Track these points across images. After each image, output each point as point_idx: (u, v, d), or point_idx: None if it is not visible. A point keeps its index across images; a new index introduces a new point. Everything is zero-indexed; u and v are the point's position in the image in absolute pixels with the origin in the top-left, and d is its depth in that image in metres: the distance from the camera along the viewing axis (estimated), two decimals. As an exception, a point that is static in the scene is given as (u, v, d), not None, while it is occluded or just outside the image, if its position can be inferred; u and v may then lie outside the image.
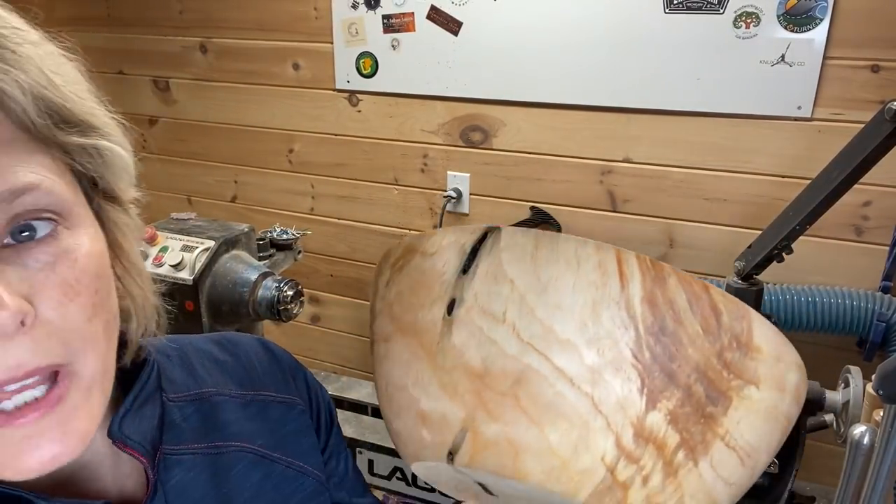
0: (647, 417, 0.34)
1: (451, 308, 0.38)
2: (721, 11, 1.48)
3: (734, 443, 0.36)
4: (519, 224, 1.79)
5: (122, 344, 0.45)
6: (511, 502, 0.42)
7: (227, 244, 1.47)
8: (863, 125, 1.00)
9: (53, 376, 0.36)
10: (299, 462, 0.57)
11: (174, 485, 0.48)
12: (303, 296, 1.51)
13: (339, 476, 0.63)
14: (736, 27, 1.48)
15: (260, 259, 1.58)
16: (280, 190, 2.14)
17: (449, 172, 1.88)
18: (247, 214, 2.21)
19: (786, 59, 1.46)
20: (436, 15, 1.75)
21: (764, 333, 0.38)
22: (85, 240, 0.38)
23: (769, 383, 0.37)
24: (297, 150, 2.07)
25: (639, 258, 0.36)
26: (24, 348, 0.34)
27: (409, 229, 1.99)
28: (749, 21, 1.47)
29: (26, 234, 0.35)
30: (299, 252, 1.74)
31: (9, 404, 0.34)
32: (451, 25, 1.74)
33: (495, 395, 0.36)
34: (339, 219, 2.09)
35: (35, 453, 0.35)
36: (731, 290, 1.24)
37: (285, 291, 1.45)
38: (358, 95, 1.93)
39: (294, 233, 1.70)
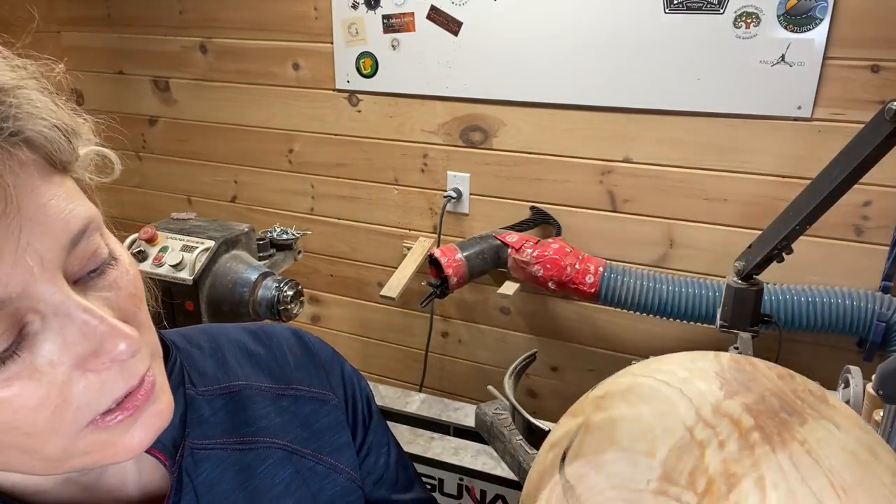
0: (724, 403, 0.40)
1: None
2: (721, 11, 1.48)
3: (818, 457, 0.36)
4: (519, 224, 1.79)
5: None
6: None
7: (227, 244, 1.47)
8: (863, 125, 1.00)
9: None
10: (330, 459, 0.56)
11: (203, 480, 0.48)
12: (303, 296, 1.51)
13: (378, 472, 0.61)
14: (736, 27, 1.48)
15: (260, 259, 1.58)
16: (280, 190, 2.14)
17: (449, 172, 1.88)
18: (247, 214, 2.21)
19: (786, 59, 1.46)
20: (436, 15, 1.75)
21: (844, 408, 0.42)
22: (119, 248, 0.40)
23: (853, 433, 0.39)
24: (297, 150, 2.07)
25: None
26: (137, 360, 0.38)
27: (409, 229, 1.99)
28: (749, 21, 1.47)
29: (94, 268, 0.37)
30: (299, 252, 1.74)
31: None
32: (451, 25, 1.74)
33: None
34: (339, 219, 2.09)
35: (140, 433, 0.38)
36: (731, 290, 1.24)
37: (285, 291, 1.45)
38: (358, 95, 1.93)
39: (294, 233, 1.70)
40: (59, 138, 0.36)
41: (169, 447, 0.47)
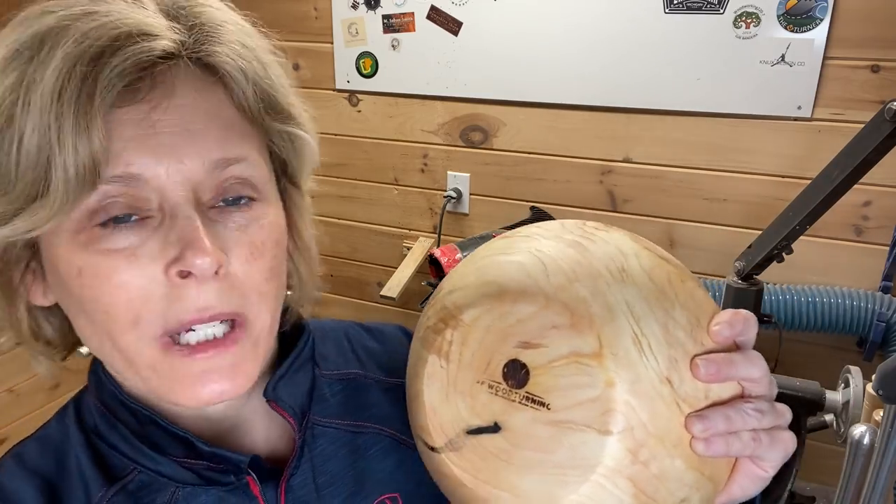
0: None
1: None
2: (721, 11, 1.48)
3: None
4: (518, 224, 1.79)
5: (284, 311, 0.50)
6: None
7: (227, 244, 1.47)
8: (863, 125, 1.00)
9: (231, 324, 0.42)
10: None
11: (319, 452, 0.51)
12: (303, 296, 1.51)
13: None
14: (736, 27, 1.48)
15: (260, 259, 1.58)
16: (280, 190, 2.14)
17: (449, 172, 1.88)
18: (247, 214, 2.21)
19: (786, 59, 1.46)
20: (436, 15, 1.75)
21: None
22: (271, 211, 0.44)
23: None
24: (297, 150, 2.07)
25: None
26: (213, 294, 0.39)
27: (409, 229, 1.99)
28: (749, 21, 1.47)
29: (231, 199, 0.41)
30: (299, 252, 1.74)
31: (193, 337, 0.40)
32: (451, 25, 1.74)
33: None
34: (339, 219, 2.09)
35: (209, 385, 0.41)
36: (731, 290, 1.24)
37: (285, 291, 1.45)
38: (358, 95, 1.93)
39: (294, 233, 1.70)
40: (243, 83, 0.41)
41: (298, 413, 0.50)
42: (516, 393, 0.39)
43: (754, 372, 0.39)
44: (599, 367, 0.37)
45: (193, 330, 0.40)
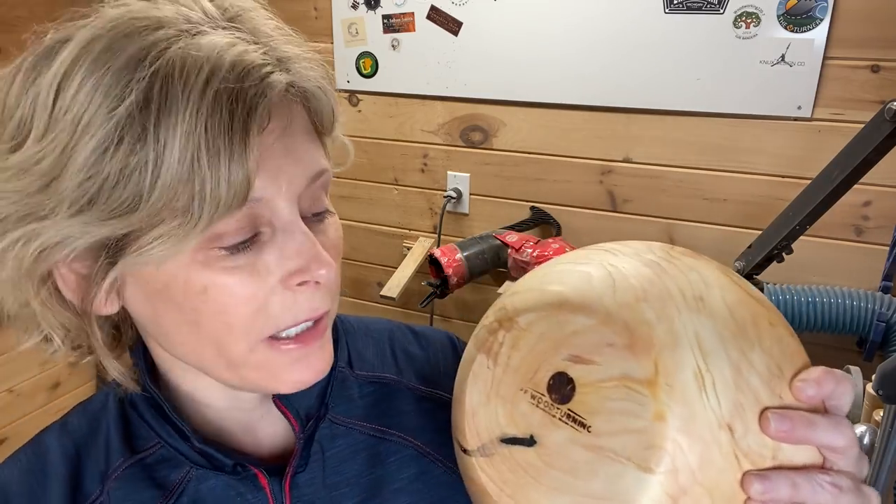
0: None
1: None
2: (721, 11, 1.48)
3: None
4: (519, 224, 1.79)
5: None
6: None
7: (227, 244, 1.47)
8: (863, 125, 1.00)
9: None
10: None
11: (336, 453, 0.51)
12: (303, 296, 1.51)
13: None
14: (736, 27, 1.48)
15: (260, 259, 1.58)
16: (280, 190, 2.14)
17: (449, 172, 1.88)
18: (247, 214, 2.20)
19: (786, 59, 1.46)
20: (436, 15, 1.75)
21: None
22: (335, 215, 0.49)
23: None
24: (297, 150, 2.07)
25: None
26: (321, 296, 0.43)
27: (410, 229, 1.99)
28: (749, 21, 1.47)
29: (321, 211, 0.46)
30: (299, 252, 1.74)
31: (293, 331, 0.43)
32: (451, 25, 1.74)
33: None
34: (339, 219, 2.09)
35: (303, 371, 0.44)
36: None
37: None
38: (358, 95, 1.93)
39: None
40: (325, 103, 0.44)
41: (302, 415, 0.51)
42: (558, 408, 0.37)
43: (838, 440, 0.34)
44: (651, 397, 0.34)
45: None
